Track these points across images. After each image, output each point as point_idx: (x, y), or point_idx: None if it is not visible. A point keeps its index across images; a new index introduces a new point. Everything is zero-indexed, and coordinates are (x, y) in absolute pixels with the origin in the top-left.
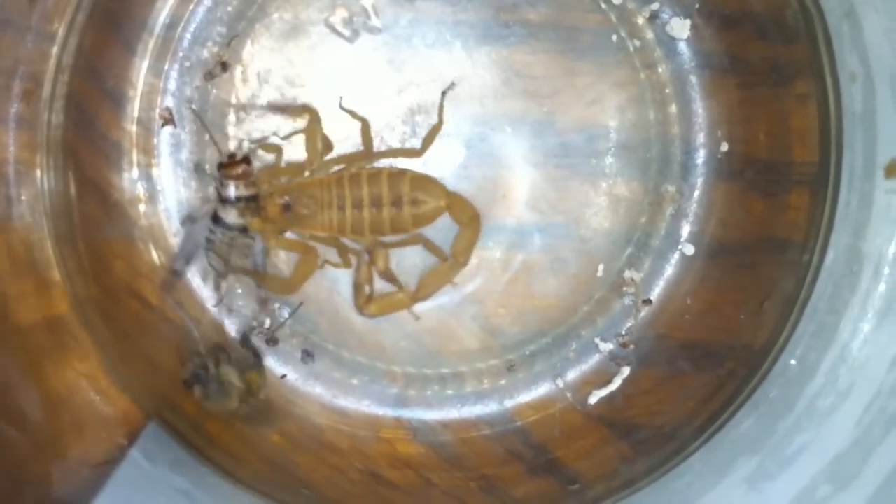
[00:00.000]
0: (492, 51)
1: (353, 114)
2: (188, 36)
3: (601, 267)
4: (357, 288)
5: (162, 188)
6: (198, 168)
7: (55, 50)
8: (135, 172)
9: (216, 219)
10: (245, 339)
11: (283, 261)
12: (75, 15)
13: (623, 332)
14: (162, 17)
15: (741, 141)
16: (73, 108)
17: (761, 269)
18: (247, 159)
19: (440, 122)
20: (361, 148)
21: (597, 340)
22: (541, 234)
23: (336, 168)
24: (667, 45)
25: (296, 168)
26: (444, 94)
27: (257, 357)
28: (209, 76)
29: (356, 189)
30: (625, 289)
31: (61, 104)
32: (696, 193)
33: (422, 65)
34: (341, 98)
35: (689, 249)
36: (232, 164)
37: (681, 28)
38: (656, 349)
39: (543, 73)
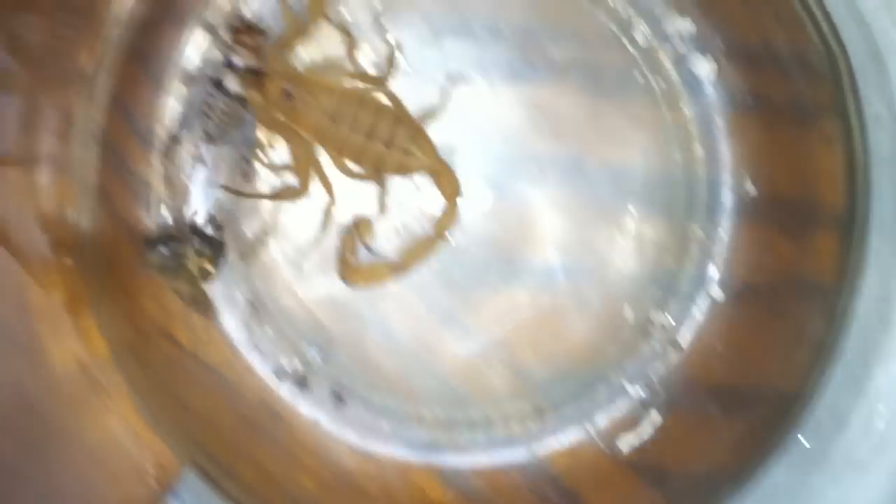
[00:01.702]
0: (517, 90)
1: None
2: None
3: (628, 309)
4: (341, 258)
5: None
6: (210, 28)
7: (87, 88)
8: (164, 209)
9: (217, 84)
10: (211, 224)
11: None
12: (106, 53)
13: (651, 376)
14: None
15: (768, 182)
16: (103, 146)
17: (790, 312)
18: (262, 32)
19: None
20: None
21: (625, 384)
22: (568, 275)
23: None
24: (692, 85)
25: (313, 69)
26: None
27: (217, 247)
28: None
29: (360, 112)
30: (652, 332)
31: (92, 142)
32: (723, 235)
33: (450, 105)
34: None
35: (717, 292)
36: (246, 31)
37: (705, 68)
38: (685, 393)
39: (569, 112)
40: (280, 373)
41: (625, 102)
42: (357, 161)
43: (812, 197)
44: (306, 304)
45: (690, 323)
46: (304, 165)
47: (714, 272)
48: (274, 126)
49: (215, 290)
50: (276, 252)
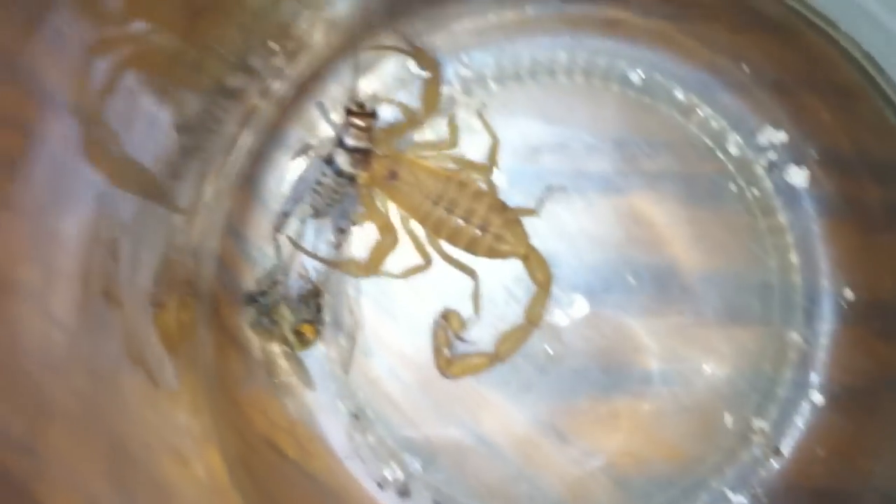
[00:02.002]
0: (612, 201)
1: (487, 126)
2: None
3: (728, 416)
4: (436, 351)
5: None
6: (321, 106)
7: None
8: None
9: (328, 161)
10: (315, 293)
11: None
12: (219, 180)
13: (753, 483)
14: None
15: (865, 287)
16: (218, 267)
17: (891, 415)
18: (374, 113)
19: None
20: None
21: (727, 491)
22: (666, 382)
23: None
24: (785, 193)
25: (417, 144)
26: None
27: (319, 316)
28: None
29: (457, 195)
30: (753, 438)
31: (210, 262)
32: (821, 340)
33: (545, 218)
34: (482, 105)
35: (817, 397)
36: (359, 114)
37: (799, 176)
38: (788, 500)
39: (664, 221)
40: (382, 482)
41: (719, 211)
42: (452, 242)
43: None
44: (408, 414)
45: (791, 428)
46: (384, 251)
47: (813, 377)
48: (371, 205)
49: (318, 400)
50: (378, 364)
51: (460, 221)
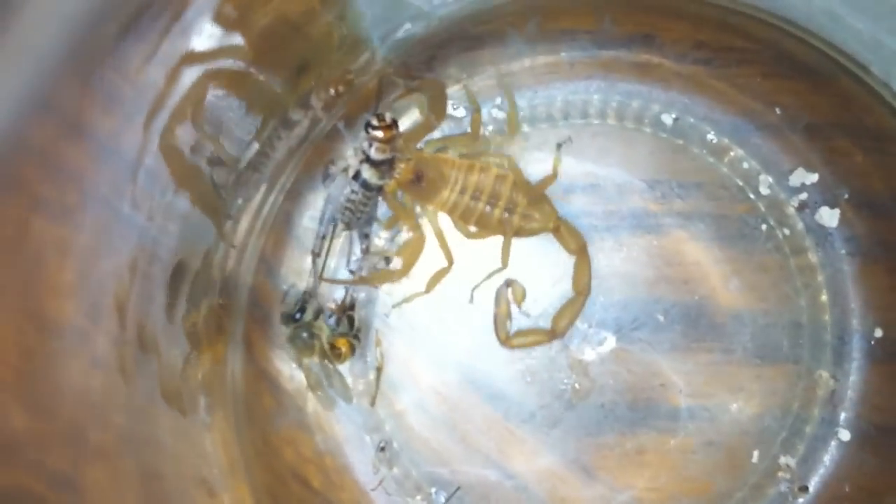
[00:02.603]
0: (643, 240)
1: (507, 92)
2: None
3: (755, 453)
4: (499, 321)
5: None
6: (347, 130)
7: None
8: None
9: (356, 176)
10: (351, 307)
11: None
12: (256, 221)
13: None
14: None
15: (894, 326)
16: (251, 303)
17: None
18: (394, 123)
19: (554, 175)
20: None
21: None
22: (693, 418)
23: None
24: (816, 233)
25: (433, 142)
26: (559, 146)
27: (355, 331)
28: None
29: (481, 181)
30: (780, 475)
31: (242, 297)
32: (851, 378)
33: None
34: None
35: (845, 435)
36: (381, 128)
37: (830, 217)
38: None
39: (694, 260)
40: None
41: (750, 250)
42: (483, 227)
43: None
44: (434, 448)
45: (817, 465)
46: (415, 252)
47: (841, 415)
48: (399, 210)
49: (345, 433)
50: (405, 398)
51: (487, 207)
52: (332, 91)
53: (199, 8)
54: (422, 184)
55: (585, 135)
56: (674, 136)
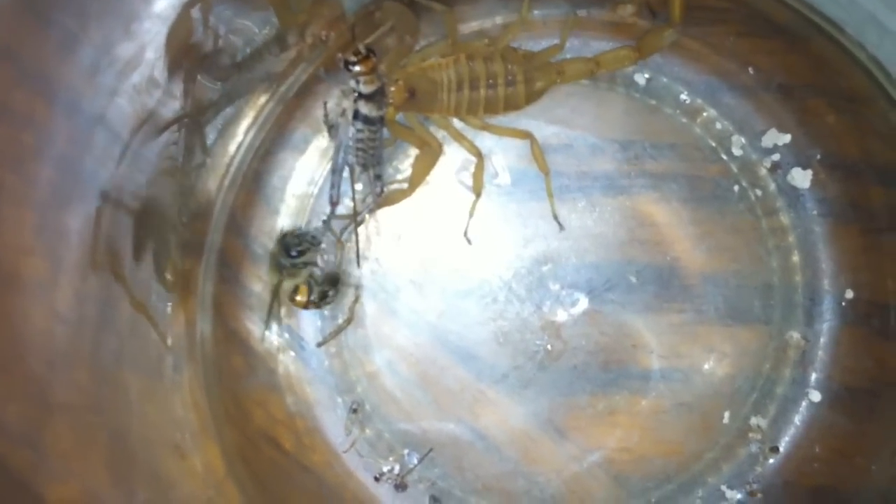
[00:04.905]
0: (616, 202)
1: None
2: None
3: (726, 413)
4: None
5: (303, 337)
6: (331, 77)
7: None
8: (274, 324)
9: (357, 115)
10: (334, 280)
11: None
12: (224, 179)
13: (750, 480)
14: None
15: (866, 287)
16: (220, 263)
17: (891, 414)
18: (372, 52)
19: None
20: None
21: (723, 488)
22: (665, 380)
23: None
24: (788, 195)
25: (414, 55)
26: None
27: (326, 298)
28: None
29: (472, 69)
30: (751, 435)
31: (213, 259)
32: (822, 340)
33: (547, 217)
34: None
35: (816, 396)
36: (360, 61)
37: (802, 178)
38: (785, 496)
39: (666, 221)
40: (379, 476)
41: (722, 212)
42: (493, 111)
43: None
44: (406, 409)
45: (789, 426)
46: (427, 164)
47: (812, 376)
48: (406, 133)
49: (316, 394)
50: (377, 358)
51: (490, 91)
52: (322, 34)
53: None
54: (417, 97)
55: (558, 94)
56: (647, 96)
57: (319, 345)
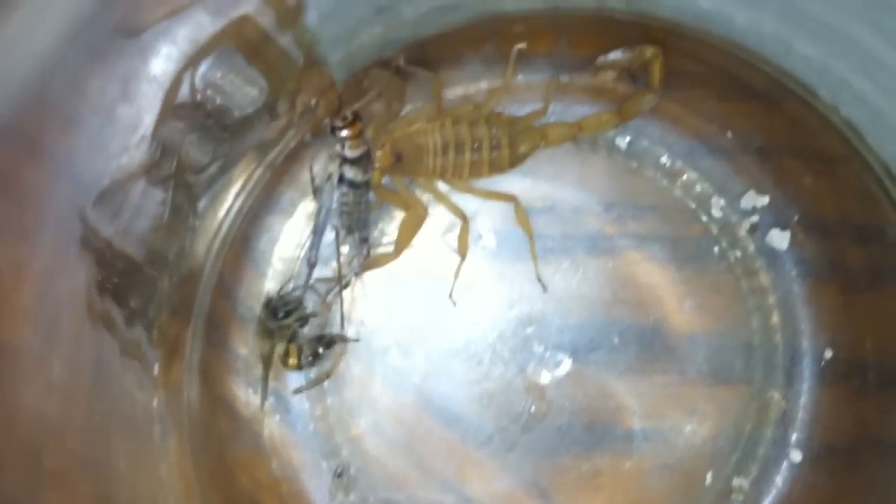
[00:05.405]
0: (599, 262)
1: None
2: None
3: (709, 474)
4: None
5: (287, 402)
6: (320, 141)
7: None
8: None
9: (342, 179)
10: (330, 343)
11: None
12: (213, 243)
13: None
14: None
15: (845, 346)
16: (208, 327)
17: (872, 473)
18: (357, 116)
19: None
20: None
21: None
22: (648, 441)
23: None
24: (767, 255)
25: (400, 120)
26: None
27: (316, 358)
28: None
29: (457, 133)
30: (733, 497)
31: (201, 323)
32: (802, 399)
33: (532, 278)
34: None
35: (797, 455)
36: (346, 126)
37: (780, 239)
38: None
39: (648, 281)
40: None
41: (703, 272)
42: (478, 174)
43: (892, 358)
44: (391, 473)
45: (771, 486)
46: (412, 227)
47: (794, 435)
48: (390, 196)
49: (301, 458)
50: (363, 422)
51: (475, 154)
52: (312, 101)
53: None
54: (403, 161)
55: (542, 157)
56: (629, 158)
57: (297, 392)
